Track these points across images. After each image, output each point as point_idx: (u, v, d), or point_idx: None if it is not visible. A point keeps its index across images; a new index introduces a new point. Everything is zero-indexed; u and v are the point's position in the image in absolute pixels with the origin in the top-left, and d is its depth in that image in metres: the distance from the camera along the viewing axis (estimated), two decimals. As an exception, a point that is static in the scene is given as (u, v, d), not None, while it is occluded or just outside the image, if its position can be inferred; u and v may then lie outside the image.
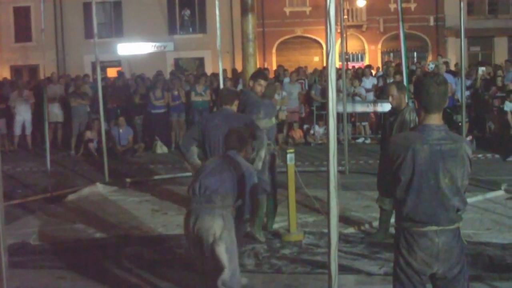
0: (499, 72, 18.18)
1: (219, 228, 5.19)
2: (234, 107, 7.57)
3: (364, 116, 18.55)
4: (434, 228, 3.99)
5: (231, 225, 5.30)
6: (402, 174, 4.00)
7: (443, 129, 4.06)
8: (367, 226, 8.71)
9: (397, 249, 4.13)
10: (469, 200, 9.85)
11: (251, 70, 8.85)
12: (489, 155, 15.00)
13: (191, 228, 5.29)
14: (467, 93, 16.34)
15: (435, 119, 4.06)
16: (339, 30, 13.36)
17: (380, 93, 18.30)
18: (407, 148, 3.99)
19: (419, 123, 4.15)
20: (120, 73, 22.00)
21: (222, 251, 5.20)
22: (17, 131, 18.20)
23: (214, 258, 5.24)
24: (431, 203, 3.99)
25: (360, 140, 18.35)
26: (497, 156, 14.82)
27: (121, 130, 17.04)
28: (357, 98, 18.23)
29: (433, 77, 4.06)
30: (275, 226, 8.70)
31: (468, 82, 17.10)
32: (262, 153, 7.55)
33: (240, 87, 15.66)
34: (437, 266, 4.03)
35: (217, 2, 12.80)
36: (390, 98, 7.87)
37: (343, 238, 7.84)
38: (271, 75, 21.60)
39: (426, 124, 4.05)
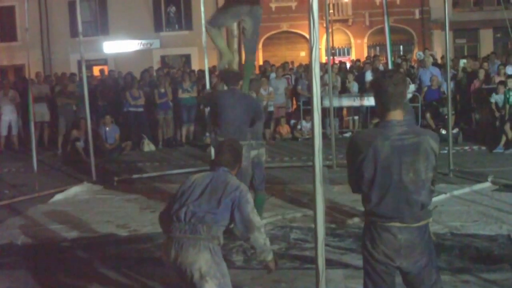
0: (485, 65, 18.23)
1: (205, 263, 4.53)
2: (239, 87, 8.30)
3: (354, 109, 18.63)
4: (398, 224, 4.03)
5: (219, 258, 4.65)
6: (365, 171, 4.04)
7: (405, 123, 4.08)
8: (355, 220, 8.72)
9: (363, 241, 4.20)
10: (456, 192, 10.04)
11: (236, 66, 8.85)
12: (475, 147, 15.09)
13: (173, 259, 4.61)
14: (452, 85, 16.38)
15: (395, 115, 4.07)
16: (325, 25, 13.36)
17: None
18: (369, 145, 4.03)
19: (380, 120, 4.16)
20: (102, 72, 21.91)
21: None
22: (3, 131, 18.10)
23: None
24: (394, 199, 4.01)
25: (348, 134, 18.38)
26: (483, 148, 14.91)
27: (107, 129, 16.98)
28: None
29: (391, 77, 4.06)
30: (263, 221, 8.68)
31: (451, 74, 17.15)
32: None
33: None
34: (399, 261, 4.06)
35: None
36: None
37: (330, 232, 7.86)
38: (257, 71, 21.59)
39: (387, 120, 4.08)
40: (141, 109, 17.86)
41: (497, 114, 15.49)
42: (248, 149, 7.97)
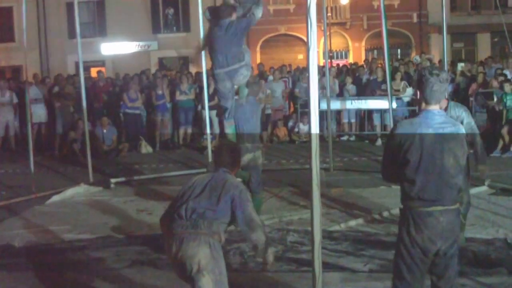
0: (480, 69, 18.27)
1: (204, 258, 4.62)
2: None
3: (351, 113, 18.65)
4: (439, 208, 4.34)
5: (219, 254, 4.73)
6: (410, 157, 4.34)
7: (443, 114, 4.51)
8: (351, 223, 8.73)
9: (404, 228, 4.42)
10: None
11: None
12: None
13: (174, 254, 4.73)
14: (449, 88, 16.42)
15: (436, 107, 4.45)
16: (322, 28, 13.37)
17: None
18: (414, 133, 4.36)
19: (420, 110, 4.50)
20: (100, 73, 21.91)
21: (209, 283, 4.61)
22: (0, 132, 18.06)
23: None
24: (437, 182, 4.34)
25: (345, 137, 18.39)
26: (480, 151, 14.89)
27: (105, 130, 16.98)
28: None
29: (438, 75, 4.41)
30: (261, 224, 8.69)
31: (449, 78, 17.20)
32: None
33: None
34: (440, 243, 4.34)
35: (200, 1, 12.81)
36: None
37: (327, 235, 7.87)
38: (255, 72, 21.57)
39: (428, 110, 4.43)
40: (138, 111, 17.85)
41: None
42: None
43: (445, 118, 4.47)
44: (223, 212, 4.74)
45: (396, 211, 8.09)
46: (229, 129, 8.73)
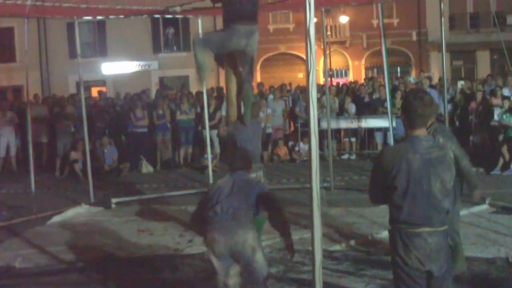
0: (479, 87, 18.29)
1: (253, 239, 5.55)
2: None
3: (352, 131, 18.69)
4: (428, 229, 4.33)
5: (256, 235, 5.70)
6: (398, 183, 4.32)
7: (430, 138, 4.50)
8: (352, 243, 8.72)
9: (394, 250, 4.43)
10: (453, 215, 9.98)
11: (234, 88, 8.84)
12: (473, 169, 15.02)
13: (223, 246, 5.53)
14: (449, 107, 16.46)
15: (421, 131, 4.44)
16: (322, 47, 13.42)
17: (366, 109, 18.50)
18: (401, 159, 4.34)
19: (407, 135, 4.49)
20: (101, 93, 21.99)
21: (261, 257, 5.61)
22: (1, 152, 18.06)
23: (252, 265, 5.57)
24: (425, 207, 4.32)
25: (345, 156, 18.39)
26: (481, 170, 14.89)
27: (106, 150, 17.01)
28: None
29: (422, 99, 4.40)
30: (262, 244, 8.67)
31: (448, 96, 17.25)
32: None
33: (224, 106, 15.64)
34: (429, 265, 4.32)
35: (200, 21, 12.89)
36: None
37: (328, 255, 7.87)
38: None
39: (415, 136, 4.41)
40: (145, 130, 17.90)
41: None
42: None
43: (432, 143, 4.45)
44: (252, 205, 5.60)
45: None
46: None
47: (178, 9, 9.06)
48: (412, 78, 24.11)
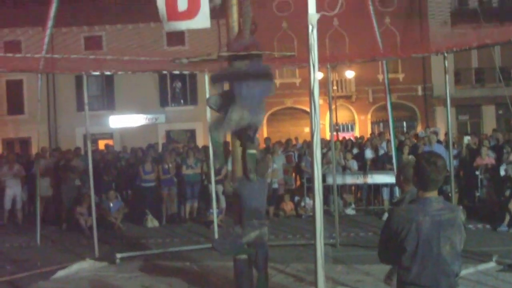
0: (485, 143, 18.28)
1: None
2: None
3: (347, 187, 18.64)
4: None
5: None
6: (407, 245, 4.33)
7: (441, 200, 4.49)
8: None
9: None
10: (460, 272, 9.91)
11: (239, 143, 8.90)
12: (479, 226, 14.97)
13: None
14: (455, 162, 16.45)
15: (433, 193, 4.46)
16: (328, 101, 13.54)
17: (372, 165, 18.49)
18: (411, 221, 4.34)
19: (418, 196, 4.50)
20: (108, 147, 22.10)
21: None
22: (7, 205, 18.09)
23: None
24: (434, 270, 4.32)
25: (351, 211, 18.24)
26: (487, 226, 14.81)
27: (111, 204, 17.03)
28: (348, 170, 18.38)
29: (436, 164, 4.40)
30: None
31: (455, 151, 17.26)
32: None
33: (230, 161, 15.65)
34: None
35: (206, 76, 13.02)
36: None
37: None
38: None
39: (426, 197, 4.43)
40: (152, 184, 17.92)
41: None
42: None
43: (443, 204, 4.45)
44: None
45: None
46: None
47: (185, 60, 9.13)
48: (421, 132, 24.18)
